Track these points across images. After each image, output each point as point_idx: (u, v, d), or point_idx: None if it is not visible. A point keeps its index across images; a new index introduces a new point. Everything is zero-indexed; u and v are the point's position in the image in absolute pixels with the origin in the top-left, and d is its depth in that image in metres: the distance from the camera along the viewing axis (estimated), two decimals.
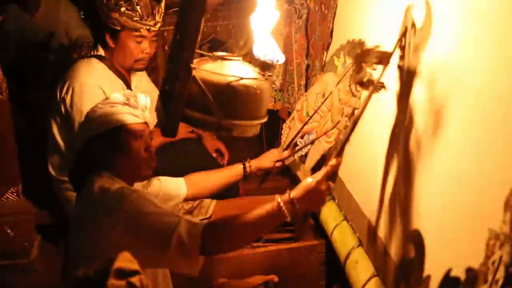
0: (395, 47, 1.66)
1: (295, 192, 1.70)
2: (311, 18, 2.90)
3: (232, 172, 2.43)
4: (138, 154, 1.92)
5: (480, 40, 1.44)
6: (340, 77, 2.27)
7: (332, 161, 1.71)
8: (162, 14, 2.67)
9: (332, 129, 2.26)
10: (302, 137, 2.48)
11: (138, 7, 2.56)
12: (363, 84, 1.61)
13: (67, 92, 2.57)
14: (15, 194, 2.62)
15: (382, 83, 1.66)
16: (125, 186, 1.85)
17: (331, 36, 2.67)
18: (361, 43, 2.12)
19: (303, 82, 2.98)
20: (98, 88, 2.56)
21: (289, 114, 3.18)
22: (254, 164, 2.42)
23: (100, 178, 1.85)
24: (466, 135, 1.48)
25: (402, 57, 1.70)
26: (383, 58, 1.60)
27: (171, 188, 2.30)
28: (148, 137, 1.96)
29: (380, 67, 1.66)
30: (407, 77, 1.72)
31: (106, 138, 1.88)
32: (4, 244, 2.60)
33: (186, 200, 2.38)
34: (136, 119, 1.92)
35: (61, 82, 2.64)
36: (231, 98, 1.68)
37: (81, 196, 1.91)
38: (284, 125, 2.59)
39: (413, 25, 1.65)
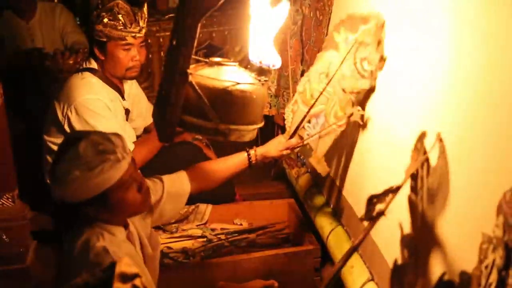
0: (405, 181, 1.50)
1: None
2: (306, 24, 2.91)
3: (236, 161, 2.25)
4: (134, 203, 1.75)
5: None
6: (344, 55, 2.10)
7: None
8: (146, 19, 2.67)
9: (343, 118, 2.08)
10: (309, 122, 2.28)
11: (120, 15, 2.57)
12: (373, 218, 1.45)
13: (70, 111, 2.58)
14: (10, 200, 2.60)
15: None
16: (107, 249, 1.65)
17: None
18: (363, 18, 2.01)
19: None
20: (99, 101, 2.59)
21: (284, 119, 3.19)
22: (260, 151, 2.24)
23: (87, 227, 1.71)
24: (459, 139, 1.49)
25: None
26: (392, 193, 1.47)
27: (174, 188, 2.12)
28: (137, 173, 1.76)
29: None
30: None
31: (95, 201, 1.67)
32: None
33: (190, 194, 2.19)
34: (120, 169, 1.66)
35: (59, 100, 2.64)
36: (228, 103, 1.69)
37: (66, 244, 1.75)
38: (286, 109, 2.40)
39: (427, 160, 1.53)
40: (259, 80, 1.78)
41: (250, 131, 1.78)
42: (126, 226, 1.82)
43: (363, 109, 2.04)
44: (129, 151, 1.73)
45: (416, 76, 1.76)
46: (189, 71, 1.62)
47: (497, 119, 1.34)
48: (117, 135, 1.73)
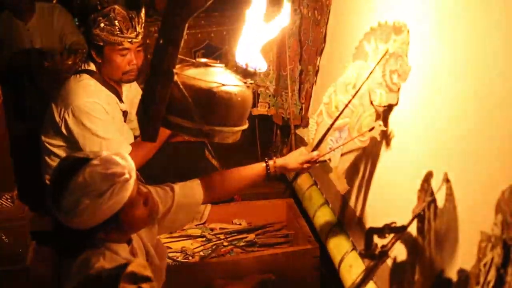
0: (410, 222, 1.49)
1: None
2: (304, 24, 2.92)
3: (253, 171, 2.12)
4: (142, 217, 1.73)
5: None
6: (373, 66, 2.00)
7: None
8: (143, 24, 2.67)
9: (366, 133, 1.99)
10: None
11: (116, 21, 2.56)
12: (375, 257, 1.42)
13: (67, 114, 2.58)
14: (9, 200, 2.61)
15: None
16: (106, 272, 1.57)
17: (324, 42, 2.69)
18: (396, 27, 1.92)
19: (296, 87, 2.99)
20: (96, 104, 2.59)
21: (283, 119, 3.20)
22: (279, 163, 2.11)
23: (90, 244, 1.67)
24: (457, 138, 1.50)
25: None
26: (397, 232, 1.46)
27: (186, 197, 2.06)
28: (142, 187, 1.76)
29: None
30: None
31: (105, 226, 1.64)
32: None
33: (203, 203, 2.14)
34: (129, 188, 1.64)
35: (56, 102, 2.64)
36: (212, 104, 1.69)
37: (67, 259, 1.71)
38: (310, 120, 2.28)
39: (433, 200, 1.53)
40: (245, 82, 1.78)
41: (234, 133, 1.78)
42: (129, 242, 1.80)
43: (385, 126, 1.95)
44: (134, 167, 1.70)
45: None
46: (174, 70, 1.62)
47: (496, 118, 1.35)
48: (120, 154, 1.69)
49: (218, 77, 1.71)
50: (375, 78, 1.98)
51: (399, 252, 1.64)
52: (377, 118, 1.95)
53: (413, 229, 1.59)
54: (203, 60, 1.80)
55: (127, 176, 1.62)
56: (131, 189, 1.64)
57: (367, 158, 2.09)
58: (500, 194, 1.20)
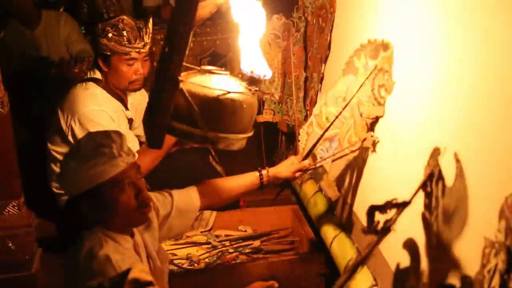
0: (413, 196, 1.48)
1: None
2: (309, 31, 2.93)
3: (247, 180, 2.19)
4: (127, 207, 1.72)
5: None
6: (362, 81, 2.09)
7: None
8: (151, 34, 2.69)
9: (357, 143, 2.08)
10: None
11: (124, 31, 2.58)
12: (378, 232, 1.42)
13: (74, 122, 2.60)
14: (16, 208, 2.62)
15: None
16: (110, 258, 1.67)
17: (329, 49, 2.70)
18: (384, 44, 2.00)
19: (301, 94, 3.00)
20: (102, 112, 2.61)
21: (288, 126, 3.20)
22: (272, 172, 2.19)
23: (91, 234, 1.73)
24: (460, 145, 1.50)
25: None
26: (399, 207, 1.45)
27: (184, 203, 2.10)
28: (136, 178, 1.74)
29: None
30: None
31: (89, 196, 1.68)
32: (5, 257, 2.60)
33: (199, 210, 2.19)
34: (116, 166, 1.68)
35: (63, 110, 2.66)
36: (217, 111, 1.71)
37: (71, 252, 1.75)
38: (301, 130, 2.38)
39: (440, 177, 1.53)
40: (250, 90, 1.79)
41: (239, 140, 1.79)
42: (132, 235, 1.82)
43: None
44: (130, 152, 1.74)
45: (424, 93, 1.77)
46: (180, 78, 1.63)
47: (499, 125, 1.35)
48: (118, 133, 1.75)
49: (223, 85, 1.72)
50: (365, 92, 2.06)
51: (403, 257, 1.64)
52: (368, 129, 2.03)
53: (417, 234, 1.59)
54: (208, 67, 1.81)
55: (114, 151, 1.68)
56: (118, 168, 1.68)
57: (360, 165, 2.12)
58: (503, 200, 1.20)
